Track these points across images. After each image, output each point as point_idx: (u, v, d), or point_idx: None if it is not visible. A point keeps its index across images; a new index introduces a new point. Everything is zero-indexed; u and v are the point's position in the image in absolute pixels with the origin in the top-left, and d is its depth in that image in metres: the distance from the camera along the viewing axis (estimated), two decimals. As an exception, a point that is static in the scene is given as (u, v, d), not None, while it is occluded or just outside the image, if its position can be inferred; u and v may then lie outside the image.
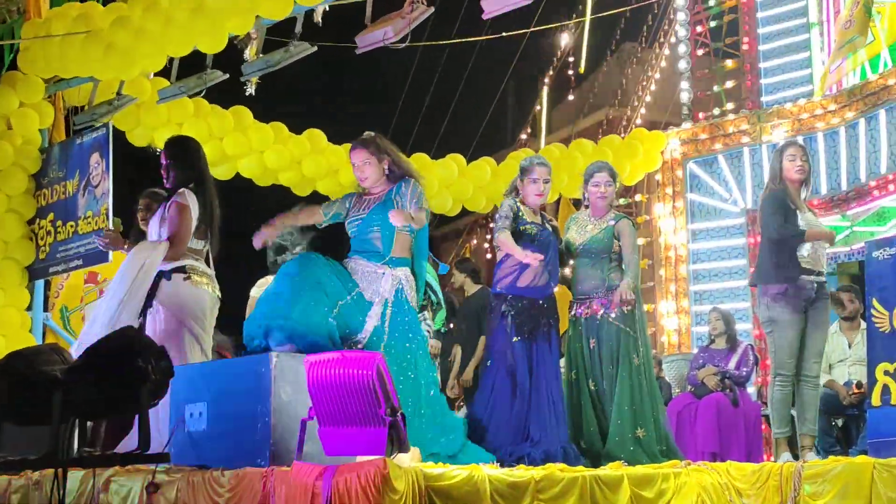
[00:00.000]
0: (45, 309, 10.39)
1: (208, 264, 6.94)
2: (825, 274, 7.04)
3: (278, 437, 5.71)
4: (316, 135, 11.75)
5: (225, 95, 10.58)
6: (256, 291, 9.09)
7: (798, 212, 7.02)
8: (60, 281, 10.68)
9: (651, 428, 7.04)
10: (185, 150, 7.04)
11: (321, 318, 6.26)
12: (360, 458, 5.25)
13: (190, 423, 6.16)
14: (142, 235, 7.42)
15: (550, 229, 7.28)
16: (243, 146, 11.15)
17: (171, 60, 9.09)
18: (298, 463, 5.36)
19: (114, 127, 9.69)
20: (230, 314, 8.78)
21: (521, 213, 7.20)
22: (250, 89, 9.94)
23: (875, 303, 6.13)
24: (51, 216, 9.94)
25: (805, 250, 6.97)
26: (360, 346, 6.31)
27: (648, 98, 17.81)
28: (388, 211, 6.46)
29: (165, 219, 6.78)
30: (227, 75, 9.06)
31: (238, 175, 11.36)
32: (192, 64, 9.02)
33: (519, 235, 7.11)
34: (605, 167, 7.53)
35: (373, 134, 6.76)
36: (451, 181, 12.25)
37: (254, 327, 6.25)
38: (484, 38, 13.24)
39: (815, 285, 6.94)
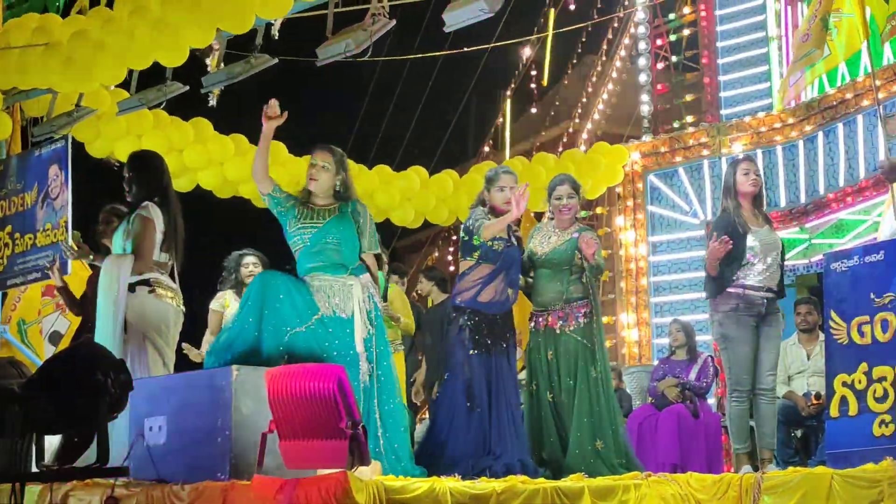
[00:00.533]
0: (2, 322, 10.30)
1: (173, 278, 6.93)
2: (779, 290, 7.05)
3: (239, 450, 5.68)
4: (277, 147, 11.72)
5: (185, 107, 10.54)
6: (216, 304, 9.11)
7: (748, 234, 7.04)
8: (18, 294, 10.58)
9: (610, 440, 7.06)
10: (147, 165, 7.09)
11: (279, 341, 6.24)
12: (321, 472, 5.23)
13: (149, 436, 6.12)
14: (106, 250, 7.42)
15: (515, 242, 7.28)
16: (203, 158, 11.10)
17: (130, 72, 9.03)
18: (259, 477, 5.34)
19: (73, 138, 9.62)
20: (195, 327, 8.80)
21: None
22: (212, 101, 9.91)
23: (833, 314, 6.19)
24: (9, 228, 9.85)
25: (759, 266, 7.01)
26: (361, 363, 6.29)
27: (609, 111, 17.89)
28: (344, 224, 6.49)
29: (129, 232, 6.77)
30: (188, 87, 9.01)
31: (198, 187, 11.31)
32: (153, 75, 8.97)
33: (485, 252, 7.08)
34: (566, 179, 7.55)
35: (341, 150, 6.80)
36: (413, 193, 12.25)
37: (217, 354, 6.24)
38: (445, 52, 13.25)
39: (766, 301, 6.97)
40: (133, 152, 7.54)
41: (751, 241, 7.01)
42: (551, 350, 7.22)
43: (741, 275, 6.99)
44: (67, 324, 10.45)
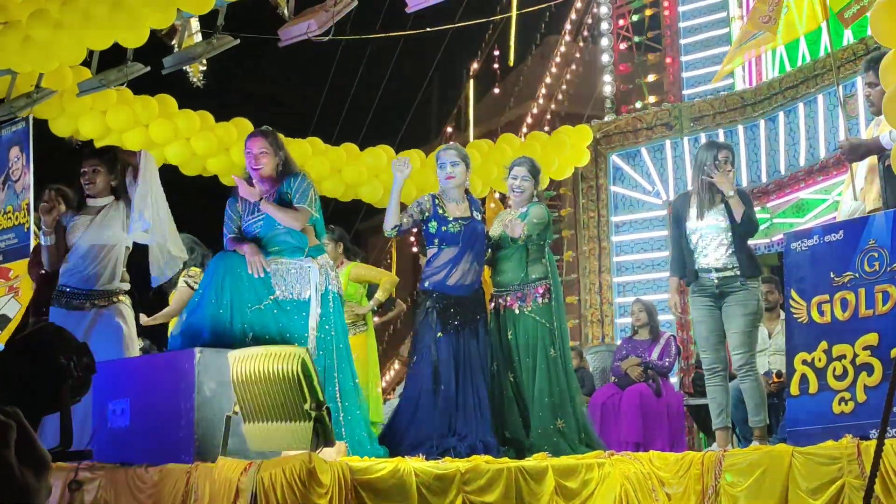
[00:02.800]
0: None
1: None
2: (735, 268, 7.07)
3: (202, 432, 5.68)
4: (243, 122, 11.65)
5: (149, 89, 10.46)
6: (191, 281, 8.96)
7: (687, 221, 7.14)
8: (-20, 277, 10.48)
9: (571, 419, 7.11)
10: (113, 159, 7.27)
11: (243, 319, 6.27)
12: (285, 453, 5.24)
13: (112, 419, 6.11)
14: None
15: (479, 220, 7.31)
16: (170, 132, 11.01)
17: (91, 52, 8.95)
18: (223, 458, 5.34)
19: (35, 117, 9.53)
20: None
21: (440, 212, 7.24)
22: (197, 83, 9.87)
23: (793, 293, 6.23)
24: (-32, 211, 9.76)
25: (709, 248, 7.06)
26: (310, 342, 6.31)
27: (571, 91, 17.91)
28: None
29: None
30: (149, 68, 8.94)
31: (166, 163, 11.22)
32: (115, 54, 8.90)
33: (443, 237, 7.16)
34: (525, 162, 7.59)
35: (270, 128, 6.79)
36: (380, 170, 12.23)
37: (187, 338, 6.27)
38: (408, 32, 13.22)
39: (717, 280, 7.02)
40: (101, 147, 7.60)
41: (692, 225, 7.09)
42: (511, 331, 7.26)
43: (692, 257, 7.11)
44: (17, 307, 10.35)
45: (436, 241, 7.20)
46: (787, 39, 11.74)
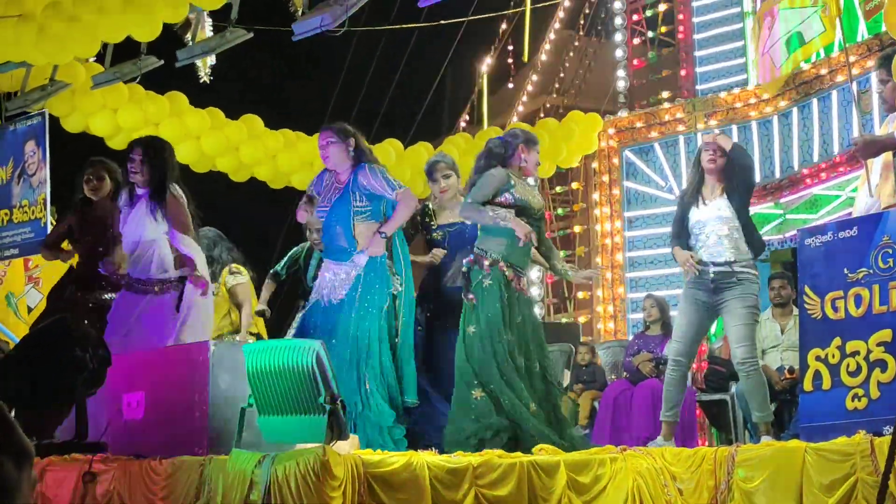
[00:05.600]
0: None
1: None
2: (739, 262, 7.04)
3: (216, 425, 5.70)
4: (253, 120, 11.68)
5: (162, 82, 10.50)
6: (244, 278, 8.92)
7: (693, 207, 7.12)
8: (3, 268, 10.53)
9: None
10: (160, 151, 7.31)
11: None
12: (299, 446, 5.25)
13: (127, 412, 6.13)
14: (88, 204, 7.53)
15: (471, 224, 7.34)
16: (180, 131, 11.05)
17: (105, 46, 8.99)
18: (237, 451, 5.36)
19: (49, 114, 9.58)
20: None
21: (427, 220, 7.55)
22: (204, 77, 9.90)
23: (807, 289, 6.22)
24: (-19, 203, 9.80)
25: (709, 240, 7.04)
26: None
27: (585, 86, 17.91)
28: (344, 205, 6.72)
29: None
30: (163, 61, 8.98)
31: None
32: (129, 48, 8.93)
33: (431, 244, 7.49)
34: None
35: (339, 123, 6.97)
36: (388, 166, 12.23)
37: None
38: (420, 25, 13.23)
39: (713, 275, 6.99)
40: (145, 138, 7.66)
41: (694, 215, 7.08)
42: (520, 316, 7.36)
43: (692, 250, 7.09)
44: (39, 297, 10.41)
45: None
46: (825, 43, 11.68)
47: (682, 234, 7.19)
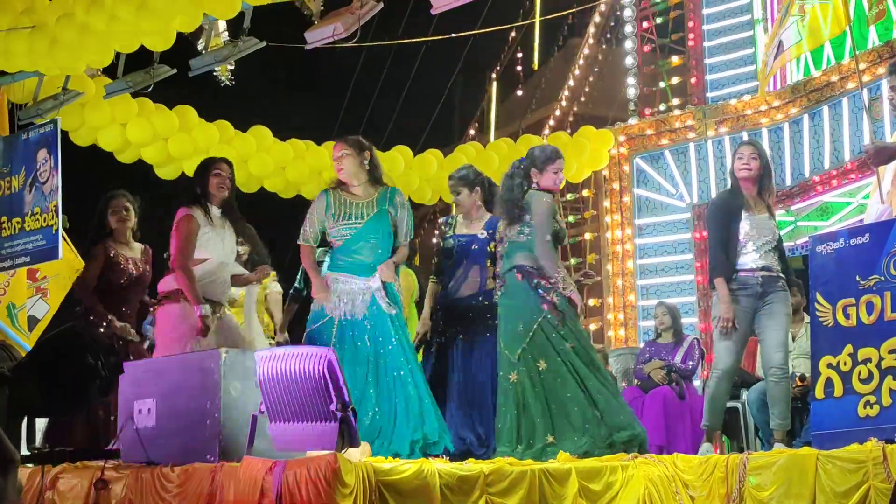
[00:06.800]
0: (-11, 306, 10.25)
1: None
2: (777, 269, 7.06)
3: (228, 432, 5.71)
4: (262, 132, 11.69)
5: (173, 91, 10.50)
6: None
7: (744, 212, 7.08)
8: (6, 278, 10.53)
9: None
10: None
11: None
12: (310, 453, 5.26)
13: (139, 419, 6.14)
14: (113, 236, 7.61)
15: (484, 237, 7.64)
16: (188, 146, 11.07)
17: (118, 57, 9.00)
18: (248, 458, 5.37)
19: (60, 122, 9.59)
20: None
21: (445, 228, 7.87)
22: (225, 81, 9.94)
23: (819, 297, 6.21)
24: (-4, 212, 9.81)
25: (751, 248, 7.04)
26: None
27: (595, 94, 17.90)
28: (383, 225, 6.89)
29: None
30: (175, 70, 8.99)
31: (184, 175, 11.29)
32: (141, 57, 8.95)
33: (443, 251, 7.77)
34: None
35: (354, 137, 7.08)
36: (396, 173, 12.24)
37: None
38: (432, 38, 13.23)
39: (761, 279, 7.00)
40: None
41: (745, 224, 7.05)
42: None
43: (738, 259, 7.06)
44: (46, 308, 10.40)
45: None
46: (813, 46, 11.73)
47: (730, 256, 7.12)
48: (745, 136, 12.62)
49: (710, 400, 7.19)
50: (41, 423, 6.28)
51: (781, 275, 7.06)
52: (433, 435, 6.49)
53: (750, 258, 7.02)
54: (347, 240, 6.88)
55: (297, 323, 8.52)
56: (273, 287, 9.22)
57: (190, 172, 11.15)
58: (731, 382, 7.22)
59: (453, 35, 12.88)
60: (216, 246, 6.97)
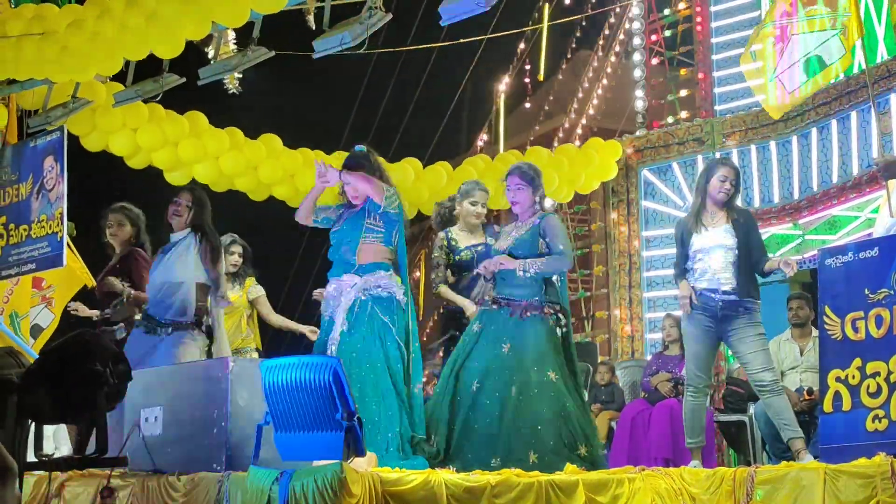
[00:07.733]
0: (-6, 313, 10.27)
1: None
2: (742, 292, 7.02)
3: (234, 441, 5.71)
4: (272, 139, 11.70)
5: (182, 99, 10.53)
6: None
7: (694, 233, 7.10)
8: (10, 286, 10.53)
9: None
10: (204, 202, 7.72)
11: None
12: (316, 463, 5.25)
13: (145, 427, 6.14)
14: (105, 250, 7.82)
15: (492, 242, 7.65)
16: (199, 151, 11.09)
17: (127, 64, 9.02)
18: (255, 467, 5.36)
19: (68, 132, 9.61)
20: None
21: (453, 244, 7.89)
22: (233, 89, 9.98)
23: (827, 310, 6.20)
24: (3, 219, 9.82)
25: (707, 268, 7.03)
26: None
27: (603, 106, 17.90)
28: (361, 222, 6.83)
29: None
30: (185, 79, 9.01)
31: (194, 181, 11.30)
32: (150, 66, 8.96)
33: (456, 267, 7.83)
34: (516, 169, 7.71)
35: (364, 150, 6.93)
36: (406, 185, 12.23)
37: None
38: (440, 44, 13.26)
39: (722, 303, 6.98)
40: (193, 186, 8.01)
41: (695, 243, 7.08)
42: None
43: (693, 276, 7.07)
44: (51, 317, 10.41)
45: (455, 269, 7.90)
46: (826, 81, 11.67)
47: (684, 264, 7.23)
48: (753, 148, 12.60)
49: (688, 418, 7.23)
50: (49, 430, 6.28)
51: (743, 293, 6.99)
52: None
53: (706, 279, 7.03)
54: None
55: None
56: (256, 291, 9.29)
57: (199, 178, 11.21)
58: (706, 396, 7.28)
59: (462, 40, 12.90)
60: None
